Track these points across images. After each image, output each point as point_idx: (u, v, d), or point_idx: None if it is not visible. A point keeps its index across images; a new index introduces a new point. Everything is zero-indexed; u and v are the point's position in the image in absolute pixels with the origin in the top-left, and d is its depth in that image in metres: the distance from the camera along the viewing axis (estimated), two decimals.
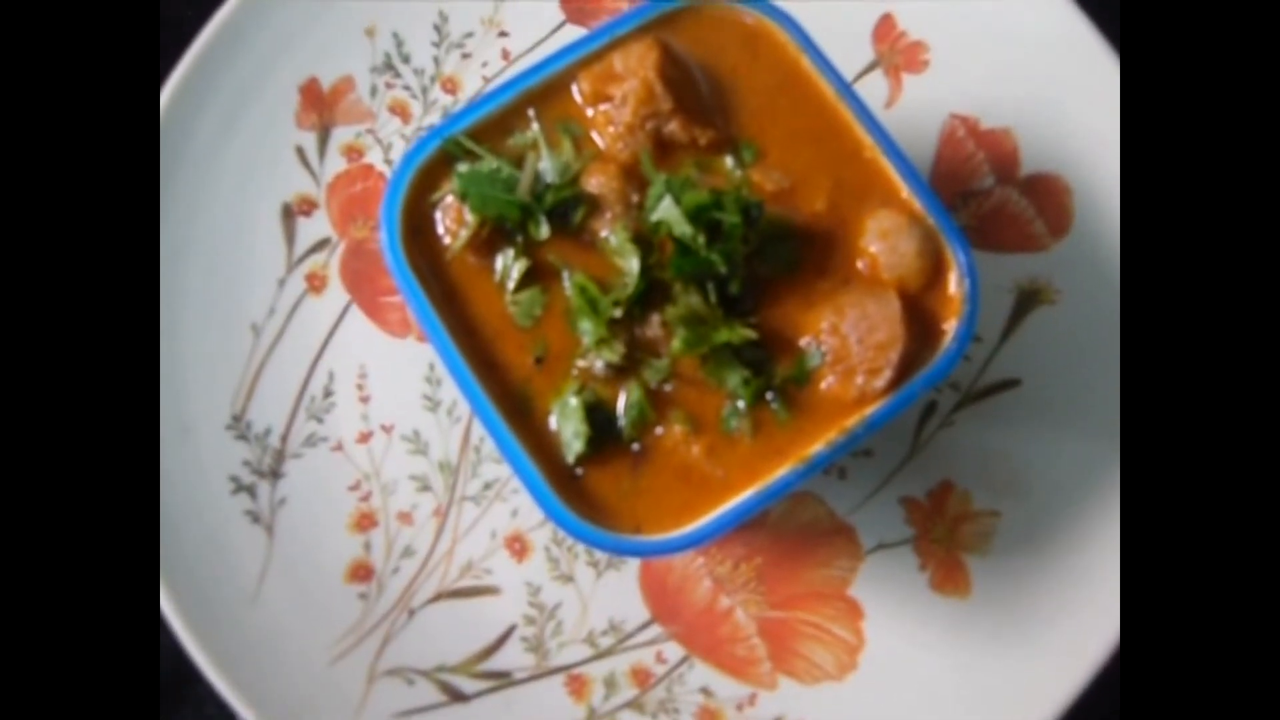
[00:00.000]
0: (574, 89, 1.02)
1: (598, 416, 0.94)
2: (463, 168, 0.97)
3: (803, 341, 0.96)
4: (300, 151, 1.21)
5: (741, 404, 0.94)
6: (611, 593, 1.11)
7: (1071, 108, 1.20)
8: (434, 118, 1.23)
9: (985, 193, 1.21)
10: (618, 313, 0.94)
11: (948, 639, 1.09)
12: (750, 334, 0.93)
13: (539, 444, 0.94)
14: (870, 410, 0.94)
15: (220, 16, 1.19)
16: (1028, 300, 1.18)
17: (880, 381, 0.94)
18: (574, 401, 0.94)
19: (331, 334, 1.17)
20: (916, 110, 1.22)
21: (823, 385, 0.96)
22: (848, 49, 1.16)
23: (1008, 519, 1.12)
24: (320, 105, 1.22)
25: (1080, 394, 1.15)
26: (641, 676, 1.09)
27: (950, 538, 1.12)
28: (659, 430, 0.94)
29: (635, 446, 0.95)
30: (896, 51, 1.24)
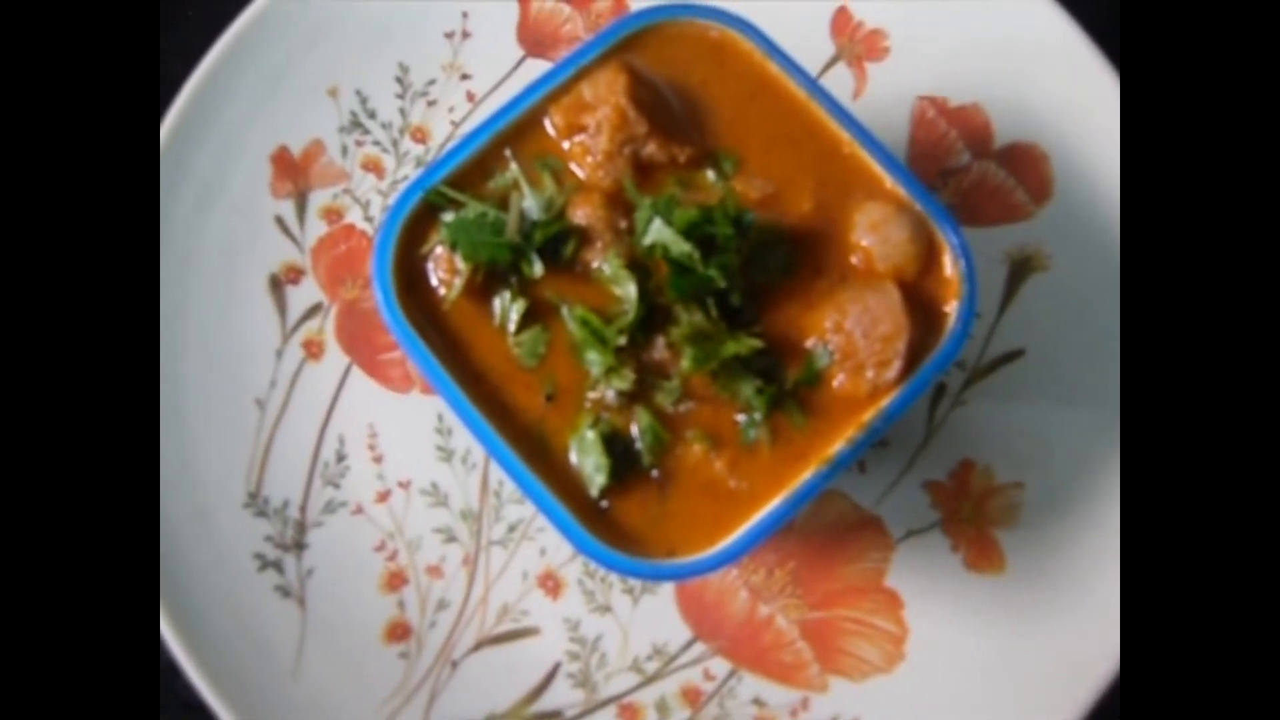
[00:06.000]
0: (546, 123, 1.02)
1: (616, 446, 0.94)
2: (448, 217, 0.98)
3: (809, 343, 0.97)
4: (280, 221, 1.21)
5: (757, 414, 0.94)
6: (650, 617, 1.10)
7: (1037, 74, 1.21)
8: (408, 169, 1.23)
9: (963, 169, 1.21)
10: (622, 340, 0.94)
11: (989, 616, 1.09)
12: (757, 343, 0.93)
13: (562, 481, 0.94)
14: (885, 402, 0.95)
15: (180, 100, 1.19)
16: (1020, 269, 1.18)
17: (891, 373, 0.94)
18: (591, 435, 0.94)
19: (336, 398, 1.17)
20: (884, 98, 1.23)
21: (834, 384, 0.96)
22: (808, 46, 1.16)
23: (1032, 488, 1.12)
24: (293, 172, 1.22)
25: (1085, 354, 1.15)
26: (692, 696, 1.08)
27: (978, 515, 1.12)
28: (679, 451, 0.94)
29: (655, 473, 0.94)
30: (856, 42, 1.25)
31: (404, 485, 1.14)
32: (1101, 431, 1.13)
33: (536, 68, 1.23)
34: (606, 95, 0.98)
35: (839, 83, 1.23)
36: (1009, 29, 1.22)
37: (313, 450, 1.15)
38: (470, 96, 1.25)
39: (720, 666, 1.09)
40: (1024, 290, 1.18)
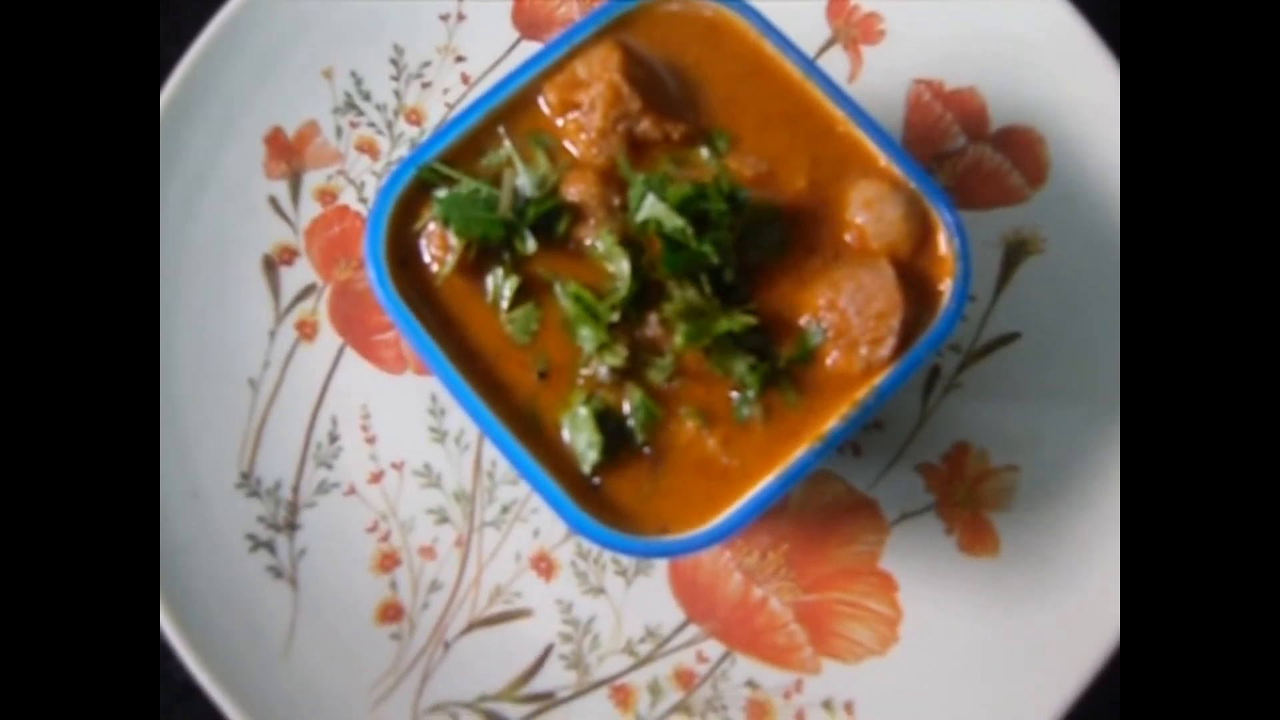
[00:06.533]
0: (540, 101, 1.02)
1: (609, 423, 0.94)
2: (441, 193, 0.97)
3: (802, 321, 0.96)
4: (274, 201, 1.21)
5: (750, 391, 0.94)
6: (644, 599, 1.10)
7: (1033, 58, 1.21)
8: (402, 151, 1.23)
9: (959, 152, 1.21)
10: (615, 316, 0.93)
11: (983, 599, 1.08)
12: (750, 320, 0.93)
13: (554, 458, 0.93)
14: (879, 379, 0.94)
15: (174, 81, 1.18)
16: (1016, 252, 1.18)
17: (884, 350, 0.94)
18: (583, 411, 0.93)
19: (329, 379, 1.16)
20: (880, 81, 1.22)
21: (828, 362, 0.96)
22: (804, 29, 1.15)
23: (1027, 472, 1.12)
24: (288, 153, 1.22)
25: (1081, 337, 1.15)
26: (685, 678, 1.08)
27: (972, 498, 1.12)
28: (672, 428, 0.94)
29: (647, 450, 0.94)
30: (852, 25, 1.25)
31: (397, 466, 1.14)
32: (1096, 415, 1.13)
33: (531, 50, 1.21)
34: (600, 72, 0.98)
35: (835, 66, 1.22)
36: (1005, 12, 1.22)
37: (306, 431, 1.15)
38: (465, 79, 1.25)
39: (714, 649, 1.09)
40: (1019, 274, 1.18)
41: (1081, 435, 1.13)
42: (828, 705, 1.06)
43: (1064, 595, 1.08)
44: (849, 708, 1.06)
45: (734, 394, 0.95)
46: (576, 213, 0.97)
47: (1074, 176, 1.19)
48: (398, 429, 1.15)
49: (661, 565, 1.11)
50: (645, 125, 0.98)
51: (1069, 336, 1.16)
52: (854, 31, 1.24)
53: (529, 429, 0.94)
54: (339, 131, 1.23)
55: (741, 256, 0.95)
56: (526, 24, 1.26)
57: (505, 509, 1.13)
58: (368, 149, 1.23)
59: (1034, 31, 1.21)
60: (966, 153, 1.21)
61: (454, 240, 0.96)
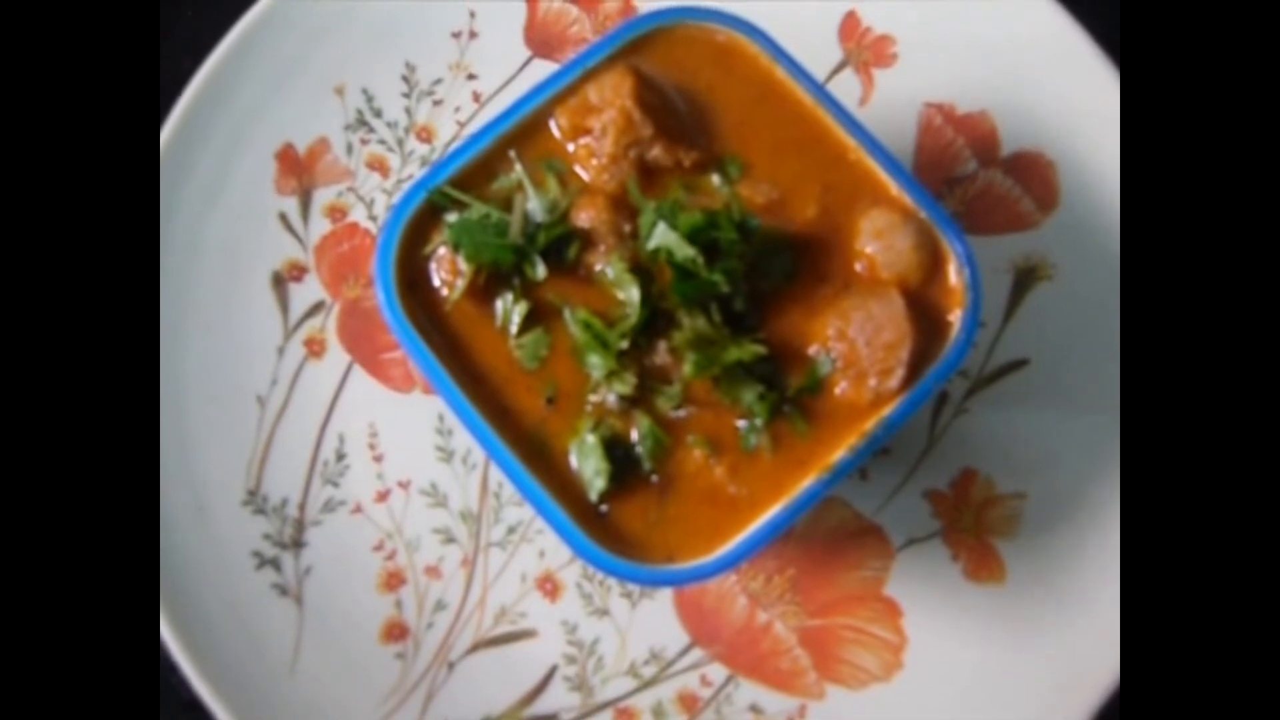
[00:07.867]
0: (552, 125, 1.02)
1: (617, 451, 0.94)
2: (452, 218, 0.97)
3: (811, 350, 0.96)
4: (284, 218, 1.21)
5: (759, 420, 0.94)
6: (648, 621, 1.10)
7: (1045, 82, 1.20)
8: (413, 168, 1.23)
9: (970, 177, 1.21)
10: (624, 344, 0.93)
11: (989, 626, 1.08)
12: (760, 349, 0.93)
13: (561, 485, 0.93)
14: (887, 410, 0.94)
15: (187, 95, 1.18)
16: (1026, 279, 1.18)
17: (894, 381, 0.94)
18: (591, 439, 0.93)
19: (337, 397, 1.17)
20: (891, 104, 1.22)
21: (837, 391, 0.95)
22: (815, 51, 1.16)
23: (1033, 499, 1.12)
24: (298, 169, 1.22)
25: (1090, 365, 1.15)
26: (689, 702, 1.08)
27: (978, 525, 1.12)
28: (679, 456, 0.94)
29: (654, 478, 0.94)
30: (864, 48, 1.24)
31: (403, 485, 1.14)
32: (1104, 443, 1.12)
33: (543, 69, 1.23)
34: (612, 98, 0.98)
35: (846, 89, 1.22)
36: (1018, 37, 1.21)
37: (313, 449, 1.15)
38: (476, 97, 1.25)
39: (718, 672, 1.09)
40: (1029, 300, 1.18)
41: (1089, 463, 1.12)
42: None
43: (1070, 623, 1.07)
44: None
45: (741, 423, 0.95)
46: (587, 239, 0.97)
47: (1085, 203, 1.19)
48: (405, 448, 1.15)
49: (667, 589, 1.11)
50: (657, 152, 0.98)
51: (1078, 364, 1.15)
52: (866, 54, 1.24)
53: (536, 455, 0.94)
54: (349, 148, 1.23)
55: (751, 285, 0.95)
56: (539, 43, 1.26)
57: (511, 530, 1.13)
58: (378, 166, 1.23)
59: (1046, 57, 1.20)
60: (977, 178, 1.21)
61: (464, 265, 0.96)
